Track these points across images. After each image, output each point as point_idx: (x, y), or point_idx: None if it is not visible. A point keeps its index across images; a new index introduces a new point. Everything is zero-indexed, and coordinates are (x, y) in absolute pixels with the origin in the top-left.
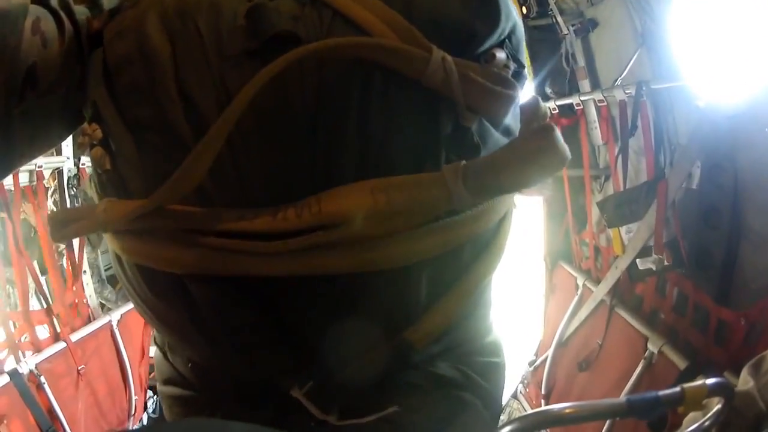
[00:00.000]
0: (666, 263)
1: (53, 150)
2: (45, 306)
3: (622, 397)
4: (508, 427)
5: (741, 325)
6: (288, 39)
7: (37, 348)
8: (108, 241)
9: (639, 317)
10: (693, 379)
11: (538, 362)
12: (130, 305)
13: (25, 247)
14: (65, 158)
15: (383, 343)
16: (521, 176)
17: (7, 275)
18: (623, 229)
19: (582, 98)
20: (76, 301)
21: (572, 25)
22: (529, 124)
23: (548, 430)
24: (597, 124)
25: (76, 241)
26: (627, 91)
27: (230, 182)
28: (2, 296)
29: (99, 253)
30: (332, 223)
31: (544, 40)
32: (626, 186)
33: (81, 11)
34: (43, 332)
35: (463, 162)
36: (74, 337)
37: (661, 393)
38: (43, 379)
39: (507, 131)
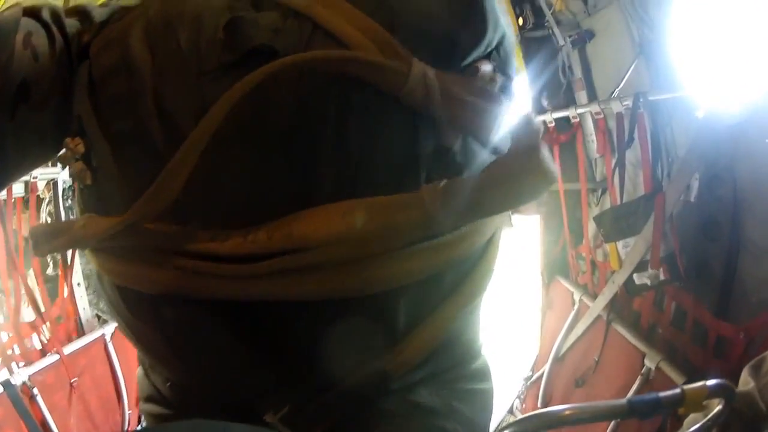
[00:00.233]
0: (663, 277)
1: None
2: (35, 318)
3: (623, 399)
4: (508, 431)
5: (740, 339)
6: (266, 53)
7: (27, 360)
8: (87, 258)
9: (636, 332)
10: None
11: (534, 377)
12: None
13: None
14: (60, 169)
15: (360, 369)
16: (503, 198)
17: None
18: (620, 244)
19: (579, 110)
20: (59, 314)
21: (569, 36)
22: (518, 143)
23: None
24: (594, 137)
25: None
26: (624, 103)
27: (205, 199)
28: None
29: None
30: (303, 246)
31: (540, 51)
32: (623, 199)
33: (72, 24)
34: (38, 344)
35: (443, 182)
36: (67, 349)
37: (662, 394)
38: (36, 390)
39: (495, 149)
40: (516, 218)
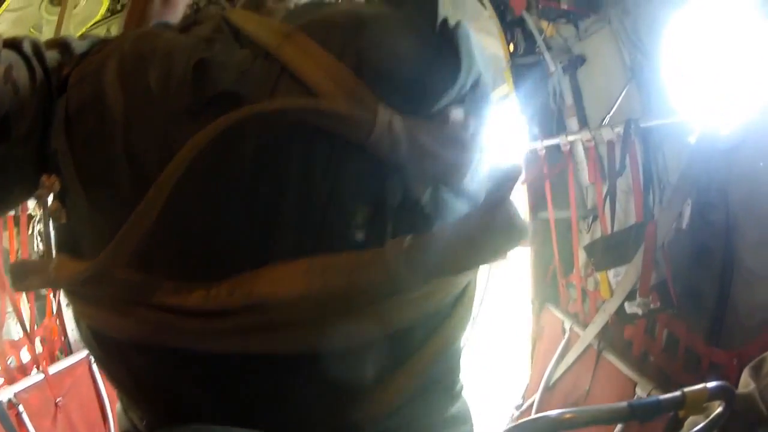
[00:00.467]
0: (654, 306)
1: None
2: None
3: (624, 402)
4: None
5: (733, 365)
6: (231, 98)
7: (10, 378)
8: (63, 295)
9: (628, 361)
10: (681, 424)
11: (524, 406)
12: None
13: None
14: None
15: (330, 419)
16: (472, 257)
17: None
18: (611, 273)
19: (569, 138)
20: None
21: (560, 62)
22: (490, 196)
23: None
24: (585, 165)
25: None
26: (615, 130)
27: (168, 250)
28: None
29: None
30: (264, 305)
31: (530, 77)
32: (615, 227)
33: (52, 57)
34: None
35: (408, 239)
36: (53, 369)
37: (662, 397)
38: (21, 408)
39: (469, 197)
40: None
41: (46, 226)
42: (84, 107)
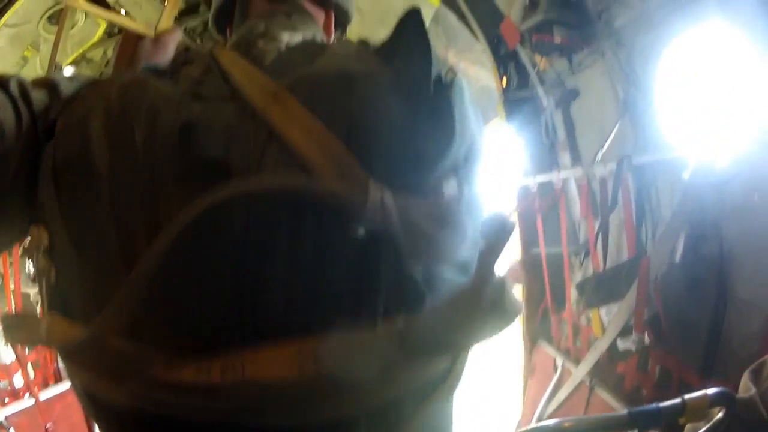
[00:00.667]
0: (647, 341)
1: None
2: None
3: (623, 410)
4: None
5: None
6: (219, 166)
7: (1, 401)
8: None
9: (620, 396)
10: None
11: None
12: None
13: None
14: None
15: None
16: (464, 336)
17: None
18: (603, 310)
19: (562, 175)
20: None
21: (553, 96)
22: (480, 271)
23: None
24: (577, 200)
25: None
26: (608, 166)
27: (160, 321)
28: None
29: None
30: (256, 387)
31: (523, 112)
32: (607, 263)
33: (39, 98)
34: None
35: (400, 321)
36: (44, 395)
37: (662, 404)
38: (12, 431)
39: (463, 267)
40: None
41: (41, 285)
42: (71, 159)
